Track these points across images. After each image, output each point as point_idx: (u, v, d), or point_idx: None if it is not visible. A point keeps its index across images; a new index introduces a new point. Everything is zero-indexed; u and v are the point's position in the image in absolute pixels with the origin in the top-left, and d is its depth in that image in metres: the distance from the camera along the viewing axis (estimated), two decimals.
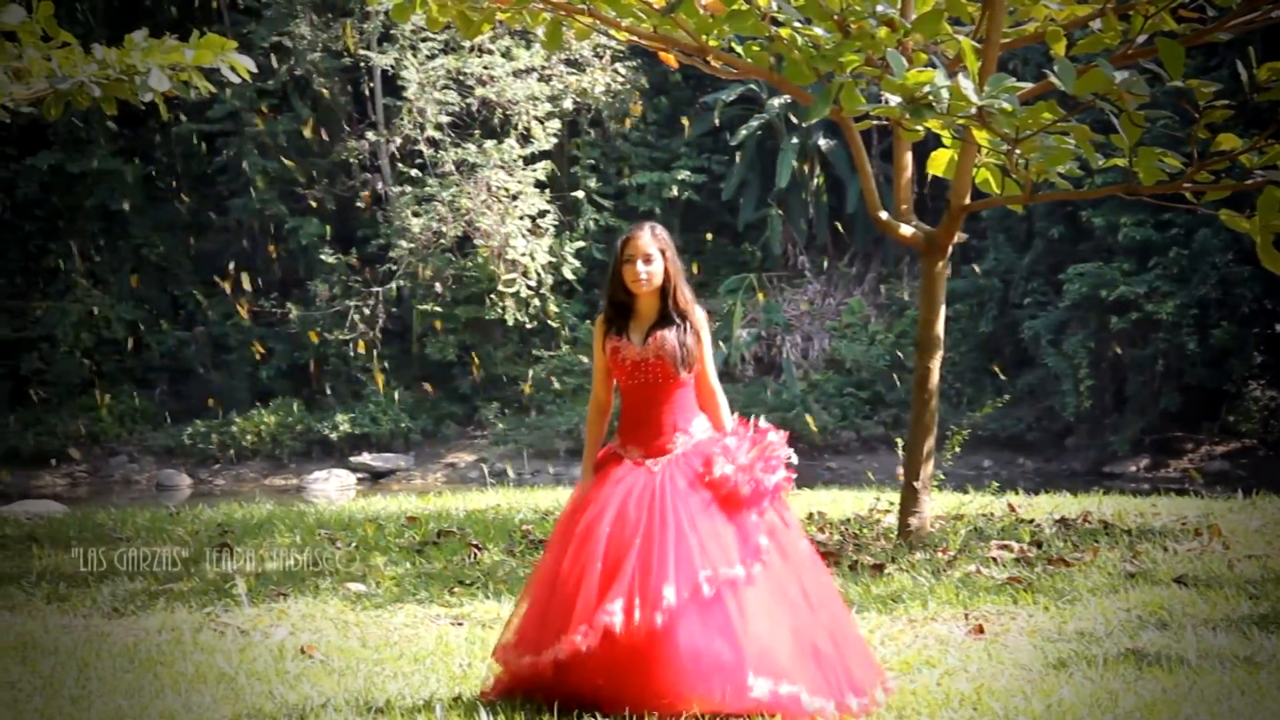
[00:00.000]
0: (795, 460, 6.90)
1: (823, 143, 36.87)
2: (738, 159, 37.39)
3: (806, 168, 37.00)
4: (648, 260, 6.97)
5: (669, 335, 6.95)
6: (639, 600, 6.37)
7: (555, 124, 35.88)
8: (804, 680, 6.40)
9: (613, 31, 11.85)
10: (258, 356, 36.47)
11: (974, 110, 9.07)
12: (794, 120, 36.23)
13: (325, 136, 36.58)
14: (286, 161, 36.32)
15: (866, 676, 6.69)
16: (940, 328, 11.57)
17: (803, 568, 6.74)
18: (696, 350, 6.98)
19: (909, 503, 11.48)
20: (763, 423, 6.95)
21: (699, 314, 7.03)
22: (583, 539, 6.65)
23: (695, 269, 37.19)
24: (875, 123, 11.04)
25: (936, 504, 12.53)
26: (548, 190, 35.88)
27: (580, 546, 6.63)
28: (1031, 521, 12.37)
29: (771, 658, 6.37)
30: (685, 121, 37.86)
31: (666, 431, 6.94)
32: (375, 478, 33.78)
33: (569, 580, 6.57)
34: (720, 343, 35.73)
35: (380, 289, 35.87)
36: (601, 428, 7.24)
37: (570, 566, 6.60)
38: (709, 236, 38.08)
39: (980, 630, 8.45)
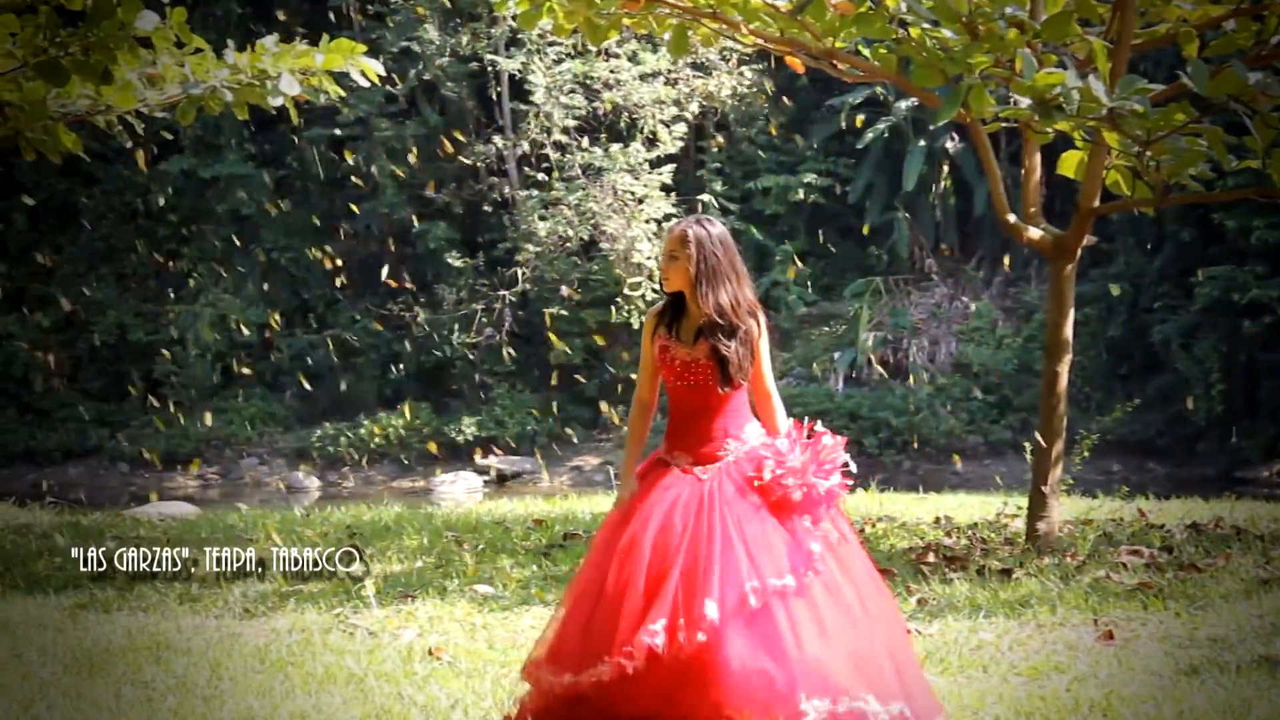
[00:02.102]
0: (853, 467, 6.44)
1: (950, 145, 36.63)
2: (865, 162, 37.24)
3: (933, 170, 36.77)
4: (670, 258, 6.65)
5: (719, 340, 6.46)
6: (683, 619, 5.93)
7: (681, 127, 35.86)
8: (871, 688, 5.93)
9: (738, 35, 11.84)
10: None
11: (1105, 112, 8.99)
12: (921, 123, 36.02)
13: (454, 141, 36.81)
14: (414, 165, 36.59)
15: (925, 707, 6.15)
16: (1069, 331, 11.49)
17: (860, 583, 6.25)
18: (748, 361, 6.49)
19: (1037, 507, 11.40)
20: (819, 427, 6.44)
21: (759, 319, 6.58)
22: (626, 552, 6.21)
23: (820, 272, 37.05)
24: (1003, 125, 10.96)
25: (1065, 509, 12.42)
26: (674, 194, 35.84)
27: (624, 561, 6.19)
28: (1162, 527, 12.25)
29: (826, 675, 5.89)
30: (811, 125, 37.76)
31: (717, 437, 6.48)
32: (501, 480, 33.88)
33: (613, 597, 6.12)
34: (848, 346, 35.67)
35: (506, 292, 36.04)
36: (645, 427, 6.75)
37: (614, 582, 6.16)
38: (834, 240, 37.93)
39: (1110, 636, 8.37)
